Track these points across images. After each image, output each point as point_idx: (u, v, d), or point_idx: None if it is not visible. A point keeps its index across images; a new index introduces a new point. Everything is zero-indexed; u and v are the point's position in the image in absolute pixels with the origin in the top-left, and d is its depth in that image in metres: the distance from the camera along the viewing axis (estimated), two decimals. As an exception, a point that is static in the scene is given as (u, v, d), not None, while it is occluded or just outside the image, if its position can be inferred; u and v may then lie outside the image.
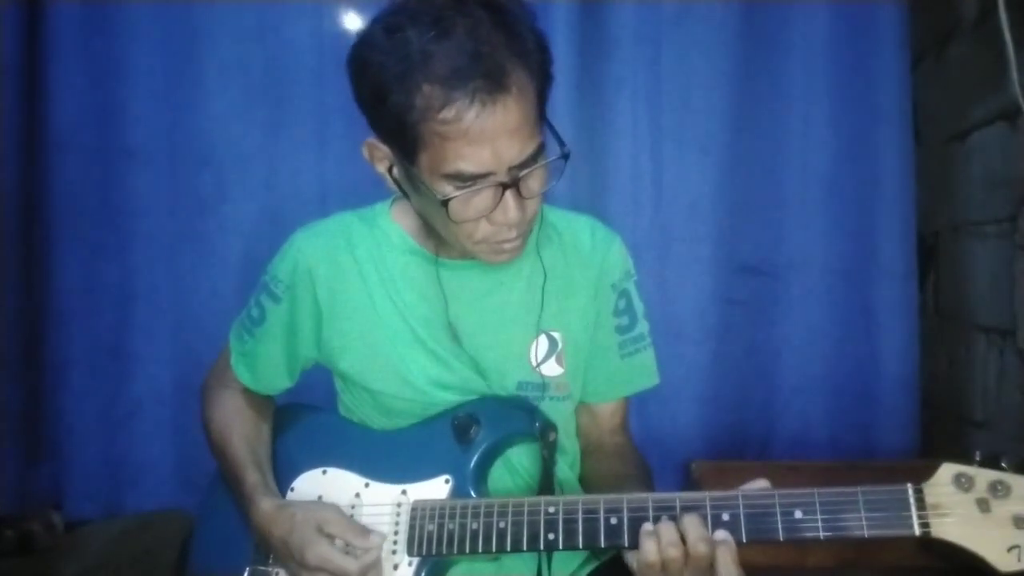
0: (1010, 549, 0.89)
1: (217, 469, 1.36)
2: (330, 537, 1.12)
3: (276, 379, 1.36)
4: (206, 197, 2.11)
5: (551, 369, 1.28)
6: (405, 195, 1.18)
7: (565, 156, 1.11)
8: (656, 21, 2.09)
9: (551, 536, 1.06)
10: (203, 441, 1.39)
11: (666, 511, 1.01)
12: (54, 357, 2.13)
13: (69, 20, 2.07)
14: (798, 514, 0.97)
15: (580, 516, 1.05)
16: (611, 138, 2.11)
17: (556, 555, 1.19)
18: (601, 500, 1.05)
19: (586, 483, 1.33)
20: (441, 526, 1.12)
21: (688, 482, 1.95)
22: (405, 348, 1.26)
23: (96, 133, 2.10)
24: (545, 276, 1.27)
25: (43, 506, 2.13)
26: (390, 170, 1.15)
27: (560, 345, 1.28)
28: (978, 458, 0.94)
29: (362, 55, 1.06)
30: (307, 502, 1.21)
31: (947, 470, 0.94)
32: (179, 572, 1.43)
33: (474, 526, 1.10)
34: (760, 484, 1.01)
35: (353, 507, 1.21)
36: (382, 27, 1.04)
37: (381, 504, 1.20)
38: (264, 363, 1.34)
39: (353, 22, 2.08)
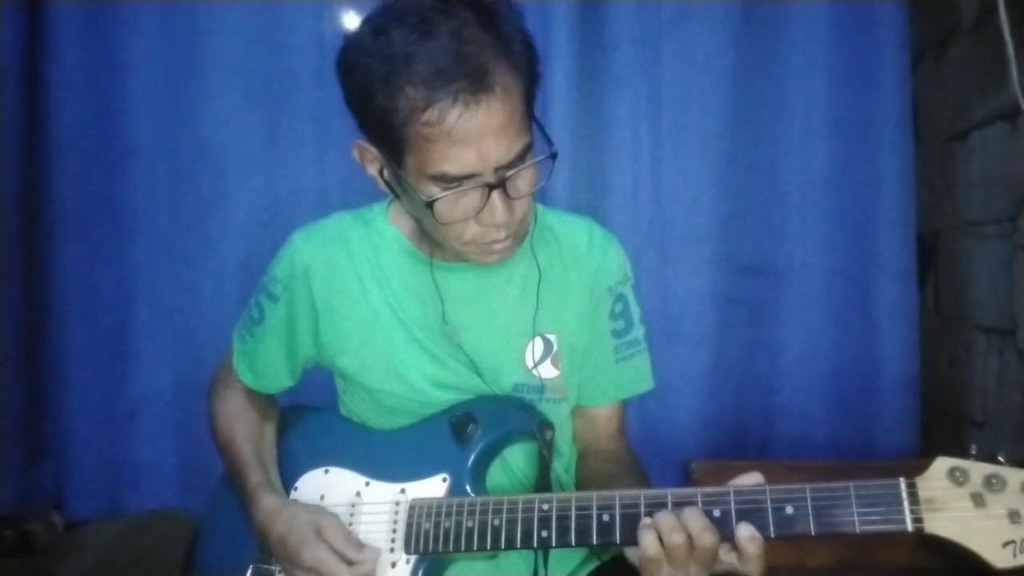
0: (1005, 544, 0.88)
1: (223, 468, 1.37)
2: (327, 543, 1.13)
3: (277, 378, 1.37)
4: (206, 197, 2.11)
5: (547, 371, 1.28)
6: (396, 197, 1.18)
7: (553, 155, 1.11)
8: (656, 21, 2.09)
9: (544, 533, 1.06)
10: (204, 441, 1.40)
11: (658, 507, 1.00)
12: (55, 356, 2.13)
13: (69, 20, 2.08)
14: (789, 509, 0.96)
15: (573, 513, 1.05)
16: (611, 138, 2.11)
17: (555, 554, 1.20)
18: (594, 497, 1.05)
19: (582, 488, 1.32)
20: (438, 524, 1.12)
21: (688, 482, 1.95)
22: (402, 347, 1.26)
23: (96, 133, 2.10)
24: (540, 277, 1.27)
25: (43, 506, 2.13)
26: (380, 172, 1.15)
27: (555, 347, 1.28)
28: (973, 452, 0.92)
29: (349, 57, 1.06)
30: (309, 505, 1.22)
31: (941, 464, 0.92)
32: (184, 570, 1.43)
33: (469, 524, 1.10)
34: (752, 478, 1.01)
35: (353, 506, 1.22)
36: (369, 29, 1.05)
37: (380, 503, 1.20)
38: (265, 362, 1.35)
39: (353, 23, 2.08)
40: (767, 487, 0.98)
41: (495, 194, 1.07)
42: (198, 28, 2.10)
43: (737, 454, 2.09)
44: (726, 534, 0.97)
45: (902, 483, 0.92)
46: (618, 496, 1.04)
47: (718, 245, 2.10)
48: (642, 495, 1.03)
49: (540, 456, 1.22)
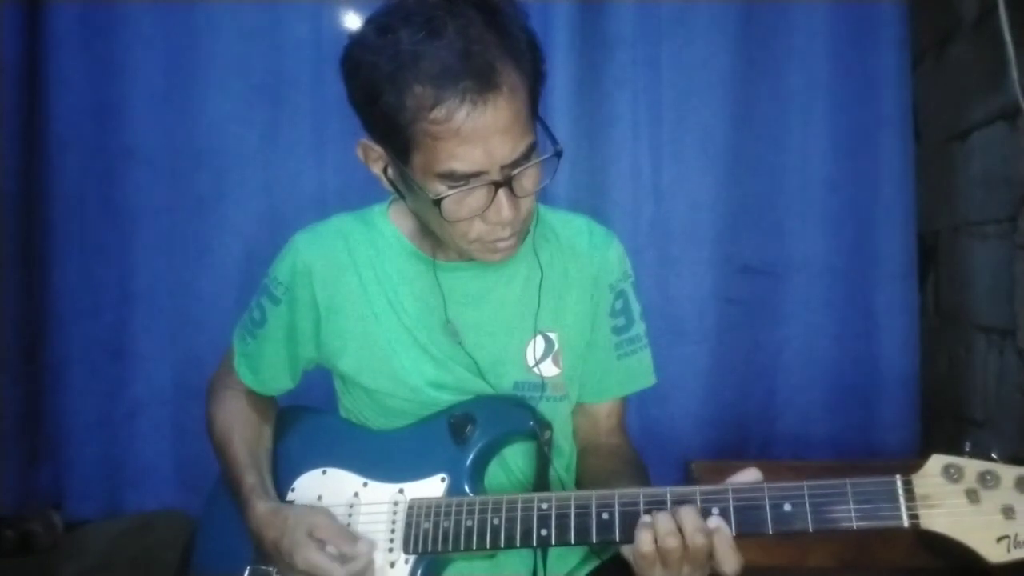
0: (1000, 539, 0.89)
1: (220, 469, 1.36)
2: (321, 542, 1.13)
3: (278, 380, 1.37)
4: (205, 197, 2.12)
5: (548, 369, 1.28)
6: (400, 195, 1.18)
7: (558, 154, 1.11)
8: (656, 21, 2.09)
9: (543, 532, 1.06)
10: (202, 441, 1.39)
11: (657, 506, 1.01)
12: (54, 357, 2.13)
13: (69, 20, 2.08)
14: (787, 507, 0.96)
15: (572, 512, 1.05)
16: (611, 138, 2.11)
17: (554, 554, 1.20)
18: (593, 496, 1.05)
19: (583, 484, 1.32)
20: (437, 524, 1.12)
21: (688, 482, 1.94)
22: (402, 349, 1.26)
23: (96, 133, 2.10)
24: (542, 276, 1.27)
25: (43, 506, 2.13)
26: (385, 170, 1.15)
27: (556, 346, 1.28)
28: (968, 449, 0.93)
29: (354, 55, 1.06)
30: (301, 506, 1.22)
31: (936, 461, 0.93)
32: (181, 571, 1.43)
33: (468, 523, 1.10)
34: (750, 475, 1.01)
35: (352, 506, 1.21)
36: (374, 27, 1.05)
37: (379, 503, 1.20)
38: (266, 364, 1.35)
39: (352, 22, 2.08)
40: (765, 485, 0.99)
41: (501, 192, 1.07)
42: (197, 28, 2.10)
43: (737, 454, 2.09)
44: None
45: (898, 480, 0.93)
46: (617, 495, 1.04)
47: (718, 245, 2.10)
48: (641, 493, 1.03)
49: (539, 456, 1.22)
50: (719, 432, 2.10)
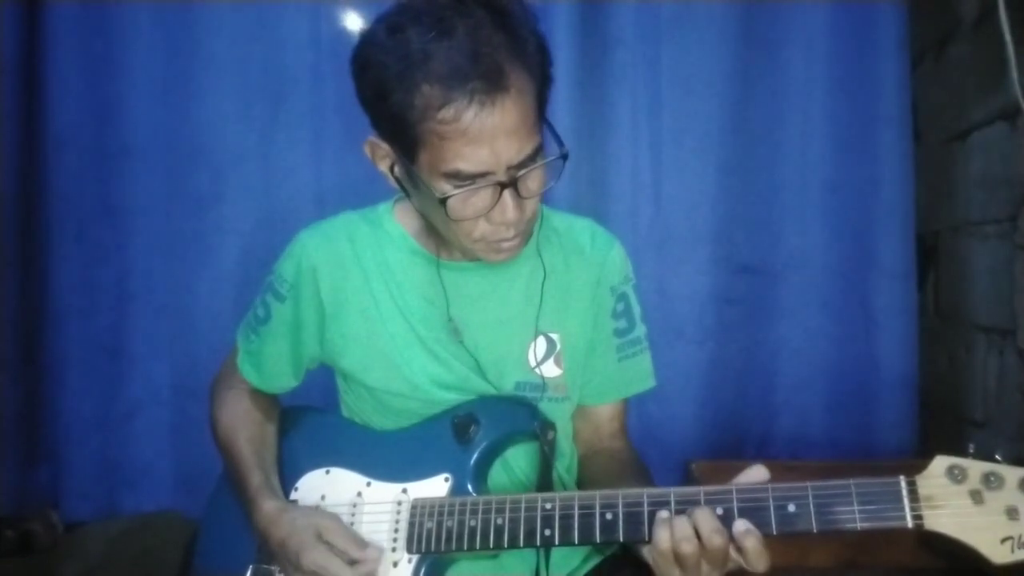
0: (1004, 540, 0.89)
1: (222, 469, 1.37)
2: (329, 545, 1.13)
3: (282, 378, 1.37)
4: (203, 196, 2.11)
5: (549, 370, 1.28)
6: (406, 194, 1.19)
7: (564, 156, 1.11)
8: (656, 21, 2.09)
9: (547, 532, 1.06)
10: (200, 442, 1.40)
11: (661, 506, 1.01)
12: (51, 357, 2.13)
13: (68, 20, 2.07)
14: (791, 507, 0.96)
15: (576, 512, 1.05)
16: (611, 138, 2.11)
17: (556, 553, 1.20)
18: (597, 496, 1.05)
19: (586, 488, 1.32)
20: (440, 523, 1.12)
21: (688, 482, 1.95)
22: (406, 347, 1.26)
23: (94, 132, 2.10)
24: (545, 277, 1.27)
25: (41, 506, 2.12)
26: (391, 168, 1.16)
27: (558, 346, 1.29)
28: (971, 450, 0.93)
29: (364, 54, 1.07)
30: (309, 508, 1.22)
31: (940, 462, 0.93)
32: (181, 572, 1.43)
33: (472, 523, 1.10)
34: (756, 473, 1.01)
35: (355, 506, 1.22)
36: (384, 26, 1.05)
37: (382, 503, 1.20)
38: (270, 362, 1.35)
39: (351, 22, 2.08)
40: (769, 485, 0.99)
41: (506, 193, 1.08)
42: (195, 28, 2.10)
43: (736, 454, 2.09)
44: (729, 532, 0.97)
45: (902, 481, 0.93)
46: (621, 495, 1.04)
47: (718, 245, 2.11)
48: (645, 494, 1.03)
49: (541, 456, 1.22)
50: (718, 432, 2.10)
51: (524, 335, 1.28)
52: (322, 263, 1.28)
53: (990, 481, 0.91)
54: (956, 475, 0.92)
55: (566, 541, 1.05)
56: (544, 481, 1.22)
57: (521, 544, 1.07)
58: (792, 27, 2.09)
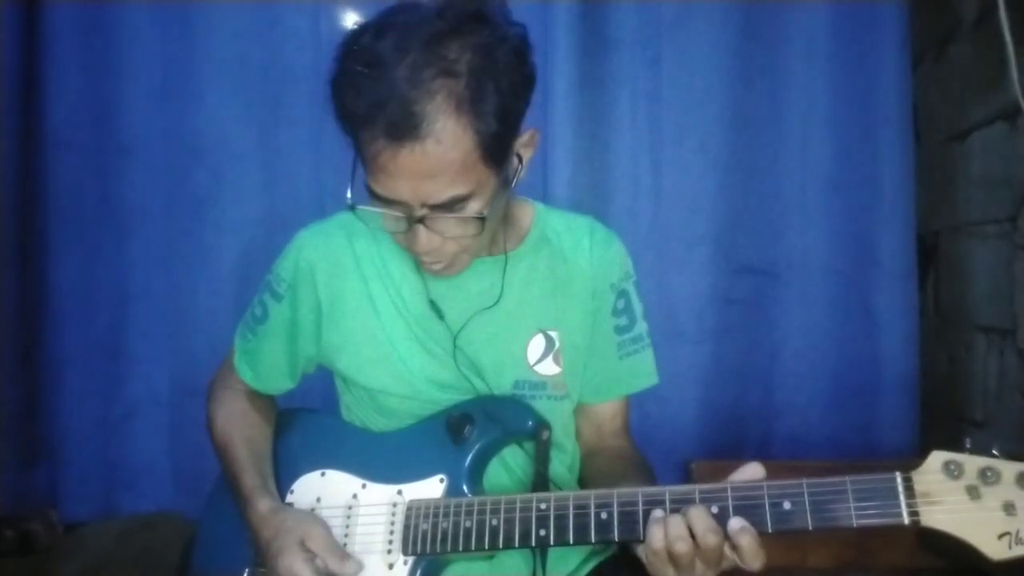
0: (1001, 536, 0.88)
1: (220, 470, 1.36)
2: (310, 553, 1.13)
3: (278, 379, 1.37)
4: (202, 196, 2.11)
5: (548, 368, 1.28)
6: None
7: (481, 218, 1.08)
8: (656, 21, 2.09)
9: (542, 532, 1.06)
10: (199, 443, 1.40)
11: (656, 505, 1.01)
12: (50, 358, 2.12)
13: (67, 19, 2.07)
14: (787, 505, 0.96)
15: (571, 512, 1.05)
16: (611, 138, 2.11)
17: (553, 555, 1.20)
18: (591, 495, 1.05)
19: (588, 487, 1.32)
20: (435, 525, 1.12)
21: (687, 482, 1.94)
22: (404, 347, 1.26)
23: (93, 132, 2.10)
24: (542, 275, 1.27)
25: (40, 507, 2.12)
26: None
27: (557, 344, 1.29)
28: (968, 445, 0.93)
29: (339, 50, 1.07)
30: (302, 512, 1.22)
31: (937, 458, 0.92)
32: (180, 573, 1.43)
33: (467, 524, 1.10)
34: (752, 471, 1.01)
35: (350, 508, 1.21)
36: (352, 32, 1.06)
37: (377, 504, 1.20)
38: (267, 362, 1.35)
39: (350, 21, 2.08)
40: (764, 483, 0.98)
41: (418, 226, 1.08)
42: (194, 28, 2.09)
43: (737, 454, 2.09)
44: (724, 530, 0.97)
45: (898, 477, 0.93)
46: (616, 494, 1.04)
47: (718, 245, 2.10)
48: (640, 493, 1.03)
49: (536, 456, 1.22)
50: (719, 432, 2.10)
51: (523, 333, 1.28)
52: (320, 263, 1.28)
53: (987, 476, 0.90)
54: (952, 470, 0.91)
55: (561, 541, 1.05)
56: (540, 481, 1.21)
57: (516, 544, 1.07)
58: (792, 27, 2.08)
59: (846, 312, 2.09)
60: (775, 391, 2.11)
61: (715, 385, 2.10)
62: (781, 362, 2.11)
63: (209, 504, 1.40)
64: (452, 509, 1.12)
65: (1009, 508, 0.89)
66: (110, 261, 2.12)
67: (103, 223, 2.11)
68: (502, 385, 1.27)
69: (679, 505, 0.99)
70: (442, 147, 1.01)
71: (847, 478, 0.94)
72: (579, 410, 1.37)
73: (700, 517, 0.96)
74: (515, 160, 1.13)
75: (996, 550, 0.88)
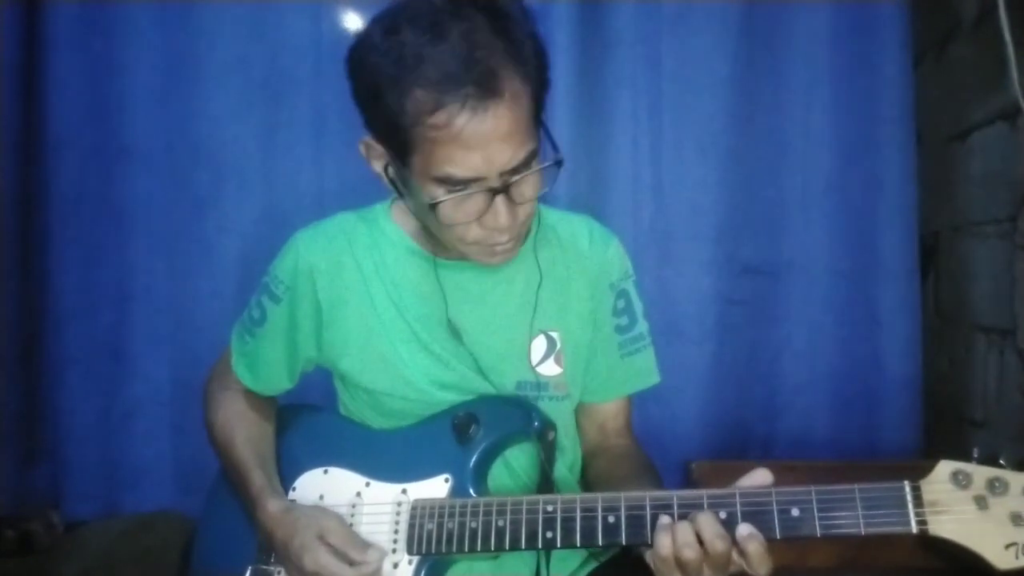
0: (1008, 546, 0.89)
1: (219, 469, 1.36)
2: (331, 546, 1.13)
3: (277, 380, 1.36)
4: (204, 197, 2.10)
5: (549, 369, 1.28)
6: (400, 195, 1.18)
7: (559, 162, 1.11)
8: (656, 21, 2.08)
9: (549, 535, 1.06)
10: (201, 442, 1.39)
11: (663, 509, 1.01)
12: (51, 357, 2.12)
13: (68, 19, 2.06)
14: (795, 512, 0.96)
15: (578, 515, 1.05)
16: (611, 138, 2.10)
17: (555, 555, 1.20)
18: (599, 499, 1.05)
19: (594, 487, 1.32)
20: (441, 525, 1.12)
21: (688, 483, 1.95)
22: (405, 348, 1.26)
23: (94, 132, 2.09)
24: (543, 276, 1.27)
25: (41, 507, 2.12)
26: (386, 169, 1.15)
27: (558, 345, 1.29)
28: (976, 455, 0.93)
29: (359, 55, 1.06)
30: (312, 508, 1.21)
31: (945, 467, 0.93)
32: (181, 572, 1.43)
33: (473, 525, 1.10)
34: (760, 477, 1.01)
35: (354, 506, 1.21)
36: (380, 27, 1.05)
37: (381, 503, 1.20)
38: (265, 364, 1.34)
39: (352, 22, 2.08)
40: (772, 489, 0.99)
41: (499, 198, 1.07)
42: (196, 28, 2.09)
43: (738, 454, 2.09)
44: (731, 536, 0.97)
45: (907, 486, 0.93)
46: (623, 497, 1.04)
47: (719, 245, 2.10)
48: (647, 497, 1.03)
49: (541, 457, 1.22)
50: (720, 433, 2.10)
51: (524, 334, 1.27)
52: (319, 264, 1.27)
53: (995, 487, 0.91)
54: (961, 480, 0.92)
55: (568, 543, 1.05)
56: (544, 482, 1.22)
57: (523, 546, 1.07)
58: (793, 27, 2.08)
59: (848, 312, 2.09)
60: (776, 391, 2.11)
61: (716, 385, 2.10)
62: (782, 362, 2.11)
63: (209, 502, 1.40)
64: (458, 510, 1.12)
65: (1017, 519, 0.90)
66: (111, 261, 2.11)
67: (104, 223, 2.10)
68: (504, 386, 1.27)
69: (687, 510, 1.00)
70: (517, 104, 1.03)
71: (855, 486, 0.95)
72: (581, 410, 1.37)
73: (708, 524, 0.97)
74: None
75: (1003, 560, 0.89)
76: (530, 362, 1.27)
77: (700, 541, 0.96)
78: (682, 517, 0.99)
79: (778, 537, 0.96)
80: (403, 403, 1.27)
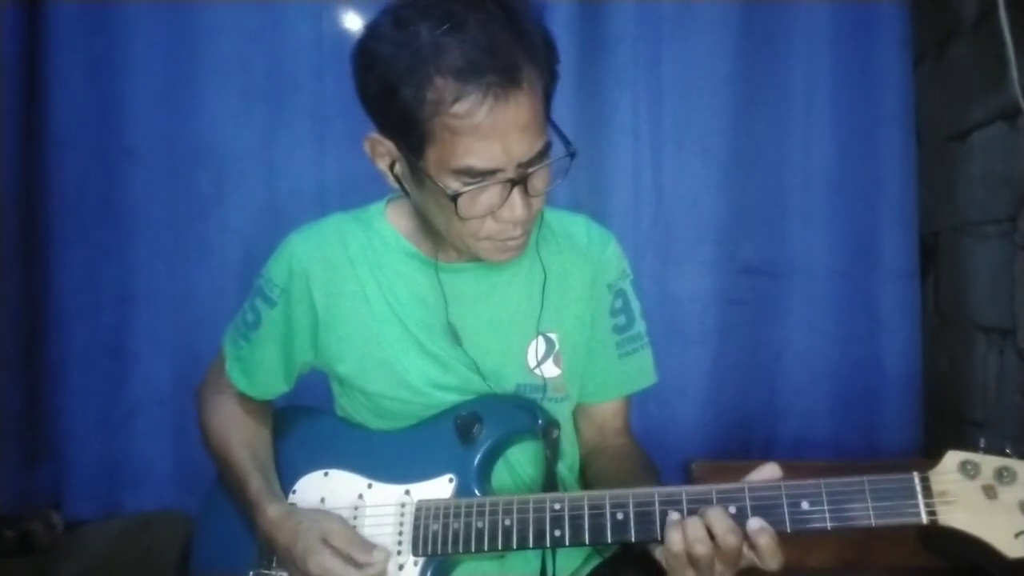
0: (1017, 535, 0.89)
1: (217, 472, 1.35)
2: (335, 549, 1.12)
3: (273, 384, 1.34)
4: (205, 197, 2.11)
5: (548, 370, 1.28)
6: (405, 192, 1.17)
7: (572, 155, 1.11)
8: (656, 21, 2.09)
9: (557, 533, 1.05)
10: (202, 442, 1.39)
11: (672, 505, 1.00)
12: (53, 357, 2.12)
13: (69, 19, 2.07)
14: (805, 505, 0.96)
15: (586, 512, 1.04)
16: (611, 138, 2.11)
17: (559, 553, 1.19)
18: (607, 495, 1.04)
19: (592, 486, 1.32)
20: (446, 525, 1.12)
21: (688, 482, 1.94)
22: (403, 350, 1.25)
23: (96, 132, 2.09)
24: (545, 276, 1.27)
25: (42, 506, 2.12)
26: (392, 166, 1.14)
27: (557, 346, 1.28)
28: (982, 445, 0.94)
29: (370, 48, 1.05)
30: (313, 511, 1.20)
31: (953, 457, 0.93)
32: (181, 572, 1.42)
33: (479, 525, 1.09)
34: (769, 471, 1.01)
35: (356, 508, 1.20)
36: (391, 20, 1.03)
37: (384, 505, 1.19)
38: (260, 368, 1.32)
39: (353, 22, 2.08)
40: (782, 483, 0.99)
41: (516, 190, 1.07)
42: (197, 28, 2.09)
43: (739, 454, 2.09)
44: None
45: (916, 477, 0.94)
46: (632, 494, 1.03)
47: (719, 245, 2.10)
48: (656, 493, 1.02)
49: (545, 456, 1.21)
50: (720, 433, 2.10)
51: (524, 336, 1.27)
52: (314, 266, 1.25)
53: (1003, 476, 0.91)
54: (969, 470, 0.92)
55: (577, 541, 1.05)
56: (548, 480, 1.21)
57: (531, 545, 1.07)
58: (793, 27, 2.08)
59: (848, 312, 2.09)
60: (777, 391, 2.11)
61: (717, 386, 2.10)
62: (783, 362, 2.11)
63: (207, 505, 1.38)
64: (463, 510, 1.11)
65: None
66: (113, 261, 2.11)
67: (106, 223, 2.11)
68: (504, 388, 1.26)
69: (696, 505, 0.99)
70: (534, 94, 1.03)
71: (864, 478, 0.95)
72: (580, 410, 1.36)
73: (719, 518, 0.96)
74: None
75: (1013, 548, 0.89)
76: (529, 364, 1.27)
77: (711, 536, 0.96)
78: (691, 512, 0.99)
79: (788, 530, 0.96)
80: (402, 405, 1.26)
